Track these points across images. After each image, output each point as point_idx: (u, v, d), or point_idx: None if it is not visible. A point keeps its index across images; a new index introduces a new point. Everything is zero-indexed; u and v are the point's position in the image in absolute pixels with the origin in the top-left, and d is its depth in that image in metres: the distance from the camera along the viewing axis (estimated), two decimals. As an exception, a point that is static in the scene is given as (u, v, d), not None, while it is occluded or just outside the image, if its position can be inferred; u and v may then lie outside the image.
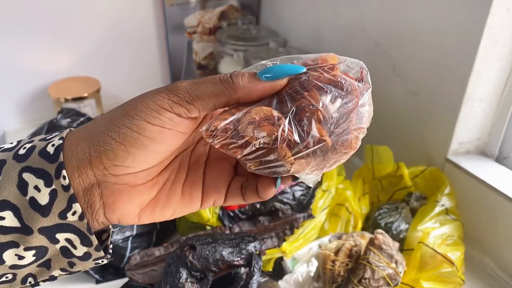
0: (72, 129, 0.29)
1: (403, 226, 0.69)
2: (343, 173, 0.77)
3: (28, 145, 0.27)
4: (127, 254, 0.67)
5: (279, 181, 0.29)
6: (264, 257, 0.63)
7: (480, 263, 0.71)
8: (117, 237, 0.66)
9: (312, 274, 0.63)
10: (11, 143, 0.29)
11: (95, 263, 0.29)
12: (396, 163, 0.74)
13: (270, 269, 0.65)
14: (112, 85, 1.10)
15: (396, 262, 0.60)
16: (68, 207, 0.26)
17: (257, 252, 0.58)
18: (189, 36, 1.12)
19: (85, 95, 0.96)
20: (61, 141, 0.27)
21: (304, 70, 0.27)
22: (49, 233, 0.27)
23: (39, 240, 0.27)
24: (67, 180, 0.26)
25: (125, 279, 0.65)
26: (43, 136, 0.28)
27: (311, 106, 0.26)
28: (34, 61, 1.00)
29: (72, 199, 0.26)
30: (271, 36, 1.06)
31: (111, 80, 1.10)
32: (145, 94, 0.27)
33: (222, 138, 0.27)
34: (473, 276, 0.68)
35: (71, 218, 0.27)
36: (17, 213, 0.26)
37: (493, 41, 0.63)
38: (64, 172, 0.26)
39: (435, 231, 0.65)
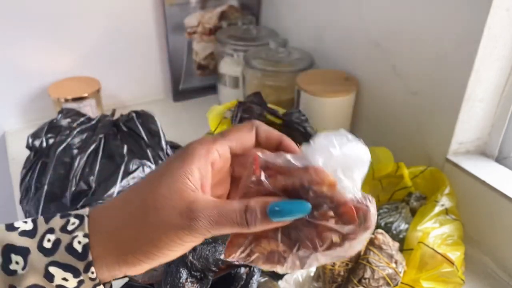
0: (87, 216, 0.30)
1: (403, 226, 0.69)
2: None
3: (52, 237, 0.29)
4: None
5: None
6: (264, 257, 0.63)
7: (480, 263, 0.71)
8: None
9: (312, 274, 0.63)
10: (25, 221, 0.30)
11: None
12: (396, 163, 0.74)
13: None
14: (112, 85, 1.11)
15: (396, 262, 0.60)
16: None
17: (257, 252, 0.58)
18: (189, 36, 1.12)
19: (85, 95, 0.96)
20: (87, 240, 0.29)
21: (309, 211, 0.29)
22: None
23: None
24: (95, 274, 0.29)
25: (125, 279, 0.65)
26: (62, 222, 0.30)
27: (311, 246, 0.30)
28: (34, 61, 1.00)
29: (96, 285, 0.29)
30: (271, 36, 1.06)
31: (111, 80, 1.10)
32: (163, 219, 0.29)
33: (237, 260, 0.31)
34: (473, 276, 0.68)
35: None
36: None
37: (493, 41, 0.64)
38: (92, 269, 0.29)
39: (435, 231, 0.65)
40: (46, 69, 1.02)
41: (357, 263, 0.61)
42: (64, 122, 0.75)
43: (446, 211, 0.68)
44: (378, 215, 0.71)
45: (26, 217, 0.70)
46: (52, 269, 0.28)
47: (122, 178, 0.68)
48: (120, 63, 1.10)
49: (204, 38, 1.14)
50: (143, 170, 0.70)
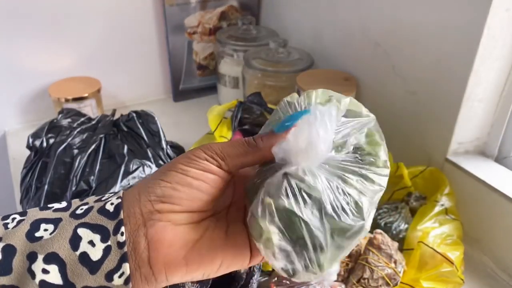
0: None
1: (403, 226, 0.69)
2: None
3: (84, 206, 0.29)
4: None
5: None
6: (264, 257, 0.64)
7: (480, 263, 0.71)
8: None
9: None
10: (60, 203, 0.30)
11: None
12: (395, 163, 0.74)
13: (270, 269, 0.65)
14: (112, 85, 1.11)
15: (395, 262, 0.60)
16: (118, 267, 0.27)
17: (257, 251, 0.58)
18: (189, 36, 1.12)
19: (86, 95, 0.96)
20: (119, 200, 0.29)
21: (310, 112, 0.29)
22: None
23: None
24: (124, 237, 0.27)
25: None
26: (97, 197, 0.30)
27: None
28: (34, 61, 1.01)
29: (123, 258, 0.27)
30: (271, 37, 1.06)
31: (112, 80, 1.10)
32: (184, 153, 0.31)
33: None
34: (473, 276, 0.68)
35: (116, 281, 0.27)
36: (63, 270, 0.26)
37: (493, 41, 0.64)
38: (122, 229, 0.27)
39: (434, 230, 0.65)
40: (46, 69, 1.02)
41: (356, 263, 0.62)
42: (65, 122, 0.75)
43: (446, 211, 0.68)
44: (378, 215, 0.71)
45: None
46: (80, 231, 0.27)
47: (123, 178, 0.68)
48: (120, 63, 1.11)
49: (204, 38, 1.14)
50: (143, 170, 0.70)
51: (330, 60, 0.96)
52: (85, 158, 0.69)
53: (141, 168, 0.70)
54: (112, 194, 0.30)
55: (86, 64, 1.06)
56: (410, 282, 0.61)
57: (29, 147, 0.72)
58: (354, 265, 0.62)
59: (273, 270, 0.64)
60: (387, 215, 0.71)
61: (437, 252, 0.62)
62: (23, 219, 0.28)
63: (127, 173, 0.68)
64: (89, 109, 0.98)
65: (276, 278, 0.59)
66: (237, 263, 0.31)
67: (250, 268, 0.57)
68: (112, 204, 0.28)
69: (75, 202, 0.30)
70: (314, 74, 0.91)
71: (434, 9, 0.69)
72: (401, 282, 0.61)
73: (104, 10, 1.03)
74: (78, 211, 0.28)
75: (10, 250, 0.26)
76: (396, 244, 0.62)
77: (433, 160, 0.77)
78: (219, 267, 0.30)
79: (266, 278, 0.63)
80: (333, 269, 0.27)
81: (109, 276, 0.26)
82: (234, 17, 1.15)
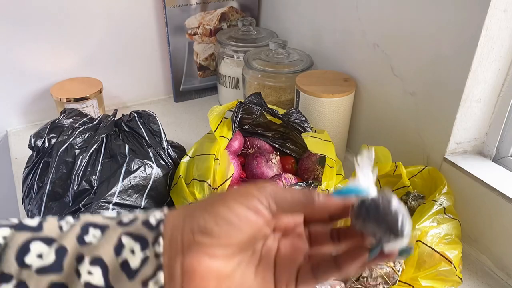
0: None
1: (402, 225, 0.70)
2: (342, 173, 0.78)
3: (131, 216, 0.32)
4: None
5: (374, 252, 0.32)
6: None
7: (478, 262, 0.71)
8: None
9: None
10: (113, 213, 0.32)
11: None
12: (394, 163, 0.74)
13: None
14: (114, 86, 1.11)
15: (393, 261, 0.61)
16: (153, 275, 0.29)
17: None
18: (189, 37, 1.13)
19: (87, 95, 0.97)
20: (162, 215, 0.31)
21: (376, 194, 0.32)
22: None
23: None
24: (161, 248, 0.29)
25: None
26: (144, 213, 0.32)
27: None
28: (36, 62, 1.01)
29: (159, 267, 0.29)
30: (271, 37, 1.07)
31: (113, 81, 1.11)
32: (237, 188, 0.32)
33: None
34: (471, 275, 0.69)
35: (151, 286, 0.29)
36: (105, 273, 0.28)
37: (491, 42, 0.64)
38: (160, 241, 0.29)
39: (433, 230, 0.65)
40: (48, 70, 1.03)
41: (356, 261, 0.62)
42: (66, 122, 0.75)
43: (444, 210, 0.68)
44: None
45: (28, 216, 0.71)
46: (124, 239, 0.29)
47: (124, 178, 0.69)
48: (121, 64, 1.11)
49: (205, 39, 1.15)
50: (145, 170, 0.71)
51: (330, 61, 0.97)
52: (86, 158, 0.69)
53: (142, 168, 0.70)
54: (159, 209, 0.32)
55: (88, 65, 1.07)
56: (409, 281, 0.62)
57: (31, 147, 0.73)
58: (353, 263, 0.62)
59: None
60: (386, 214, 0.71)
61: (436, 251, 0.62)
62: (75, 224, 0.31)
63: (128, 172, 0.69)
64: (91, 109, 0.98)
65: None
66: None
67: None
68: (154, 217, 0.31)
69: (125, 213, 0.33)
70: (313, 75, 0.91)
71: (432, 10, 0.70)
72: (399, 281, 0.61)
73: (106, 12, 1.03)
74: (125, 219, 0.31)
75: (62, 251, 0.29)
76: (394, 243, 0.63)
77: (432, 159, 0.77)
78: None
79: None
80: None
81: (145, 283, 0.29)
82: (234, 18, 1.16)
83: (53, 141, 0.72)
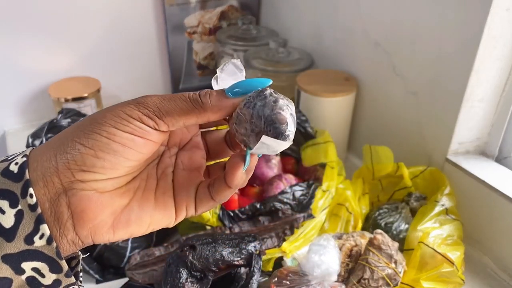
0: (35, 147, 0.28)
1: (403, 226, 0.69)
2: (343, 173, 0.77)
3: None
4: (127, 254, 0.67)
5: (248, 158, 0.28)
6: (264, 257, 0.63)
7: (480, 263, 0.71)
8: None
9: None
10: None
11: None
12: (396, 163, 0.74)
13: (270, 269, 0.65)
14: (112, 85, 1.11)
15: (395, 262, 0.60)
16: (35, 230, 0.25)
17: (257, 252, 0.58)
18: (189, 36, 1.12)
19: (85, 95, 0.96)
20: (24, 159, 0.26)
21: (271, 82, 0.28)
22: (14, 262, 0.25)
23: (2, 270, 0.25)
24: (34, 199, 0.25)
25: (125, 279, 0.65)
26: (4, 157, 0.27)
27: None
28: (34, 61, 1.01)
29: (39, 220, 0.25)
30: (271, 36, 1.06)
31: (111, 80, 1.10)
32: (113, 106, 0.27)
33: None
34: (473, 276, 0.68)
35: (38, 242, 0.25)
36: None
37: (493, 41, 0.64)
38: (31, 190, 0.25)
39: (435, 231, 0.65)
40: (46, 69, 1.02)
41: (357, 263, 0.61)
42: (64, 122, 0.75)
43: (446, 211, 0.68)
44: (378, 215, 0.71)
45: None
46: None
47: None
48: (120, 63, 1.10)
49: (204, 38, 1.14)
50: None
51: (330, 60, 0.96)
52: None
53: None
54: (20, 152, 0.27)
55: (86, 64, 1.06)
56: (411, 282, 0.61)
57: (28, 147, 0.72)
58: (355, 265, 0.62)
59: (273, 270, 0.64)
60: (388, 215, 0.71)
61: (438, 252, 0.62)
62: None
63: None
64: (89, 109, 0.98)
65: (276, 279, 0.59)
66: (164, 224, 0.30)
67: (250, 268, 0.57)
68: (16, 164, 0.26)
69: None
70: (314, 74, 0.90)
71: (434, 9, 0.69)
72: (401, 283, 0.61)
73: (104, 10, 1.03)
74: None
75: None
76: (396, 244, 0.62)
77: (434, 160, 0.77)
78: (146, 229, 0.29)
79: (266, 279, 0.63)
80: None
81: (29, 240, 0.25)
82: (234, 17, 1.15)
83: (51, 141, 0.71)
